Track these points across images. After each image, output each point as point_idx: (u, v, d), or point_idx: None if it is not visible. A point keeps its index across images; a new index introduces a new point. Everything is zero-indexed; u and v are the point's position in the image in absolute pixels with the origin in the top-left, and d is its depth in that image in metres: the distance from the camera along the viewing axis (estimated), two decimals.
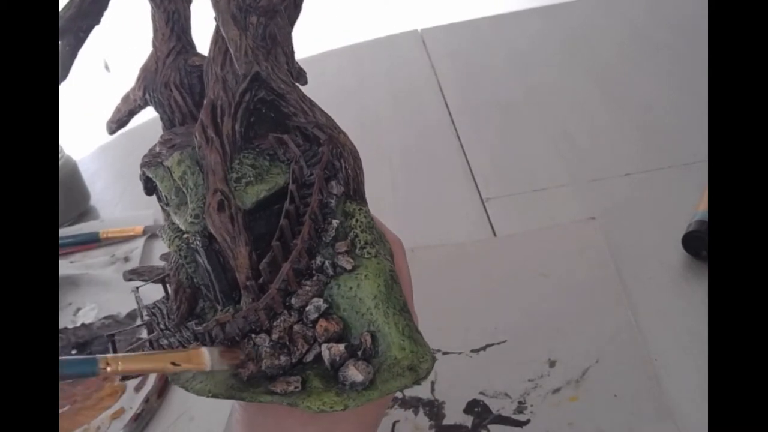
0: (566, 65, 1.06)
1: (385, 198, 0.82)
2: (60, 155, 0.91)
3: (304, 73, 0.45)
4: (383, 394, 0.32)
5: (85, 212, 0.95)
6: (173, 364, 0.31)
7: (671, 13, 1.13)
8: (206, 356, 0.32)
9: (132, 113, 0.44)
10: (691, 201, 0.68)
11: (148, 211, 0.90)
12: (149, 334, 0.40)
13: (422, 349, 0.34)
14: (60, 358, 0.28)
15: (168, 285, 0.41)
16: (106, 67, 2.58)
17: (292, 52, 0.42)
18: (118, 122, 0.45)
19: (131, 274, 0.43)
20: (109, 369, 0.30)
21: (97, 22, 0.40)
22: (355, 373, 0.32)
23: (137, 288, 0.42)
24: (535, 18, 1.24)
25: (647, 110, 0.90)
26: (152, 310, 0.41)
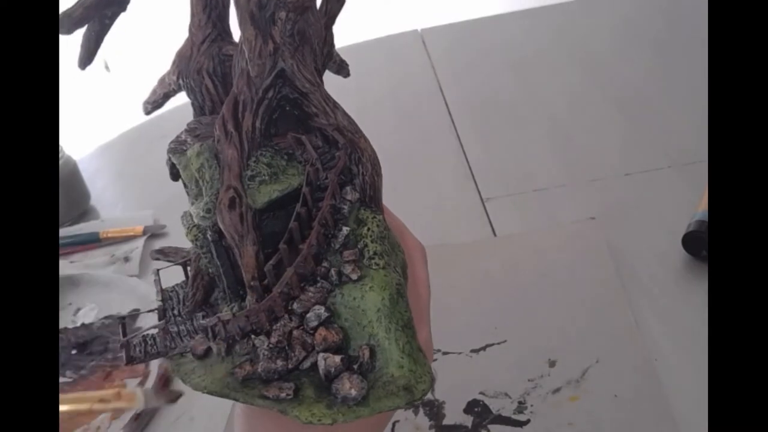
0: (566, 65, 1.06)
1: (385, 198, 0.81)
2: (60, 155, 0.90)
3: (346, 65, 0.44)
4: (374, 412, 0.31)
5: (85, 212, 0.95)
6: (102, 401, 0.31)
7: (672, 13, 1.13)
8: (139, 395, 0.31)
9: (167, 96, 0.43)
10: (691, 201, 0.68)
11: (148, 211, 0.90)
12: (161, 319, 0.39)
13: (421, 369, 0.33)
14: None
15: (189, 269, 0.41)
16: (106, 67, 2.58)
17: (332, 45, 0.41)
18: (153, 104, 0.44)
19: (158, 253, 0.43)
20: None
21: (123, 9, 0.40)
22: (348, 386, 0.32)
23: (158, 270, 0.42)
24: (535, 18, 1.24)
25: (647, 110, 0.90)
26: (169, 294, 0.41)
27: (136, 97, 0.44)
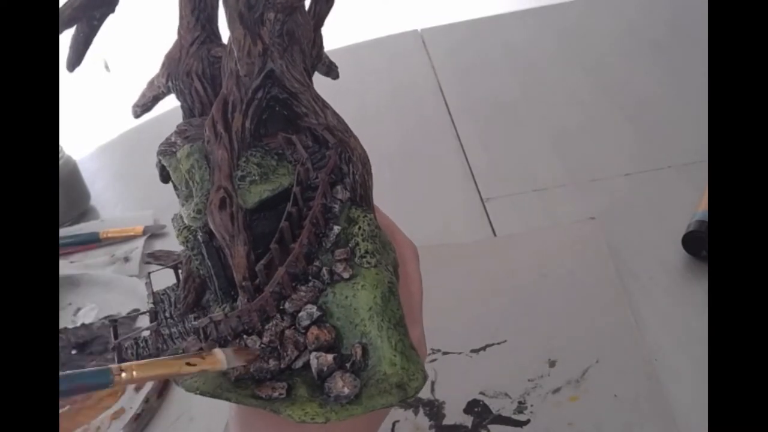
0: (566, 65, 1.06)
1: (385, 198, 0.81)
2: (60, 155, 0.90)
3: (335, 67, 0.44)
4: (367, 410, 0.32)
5: (85, 212, 0.95)
6: (188, 364, 0.30)
7: (671, 13, 1.13)
8: (221, 356, 0.32)
9: (156, 99, 0.44)
10: (691, 201, 0.68)
11: (148, 211, 0.90)
12: (152, 321, 0.39)
13: (414, 366, 0.33)
14: (73, 372, 0.27)
15: (180, 272, 0.41)
16: (106, 67, 2.58)
17: (321, 46, 0.42)
18: (142, 107, 0.44)
19: (149, 257, 0.43)
20: (123, 376, 0.28)
21: (112, 10, 0.40)
22: (341, 385, 0.32)
23: (149, 274, 0.42)
24: (535, 18, 1.24)
25: (647, 110, 0.90)
26: (160, 297, 0.41)
27: (137, 98, 0.44)
